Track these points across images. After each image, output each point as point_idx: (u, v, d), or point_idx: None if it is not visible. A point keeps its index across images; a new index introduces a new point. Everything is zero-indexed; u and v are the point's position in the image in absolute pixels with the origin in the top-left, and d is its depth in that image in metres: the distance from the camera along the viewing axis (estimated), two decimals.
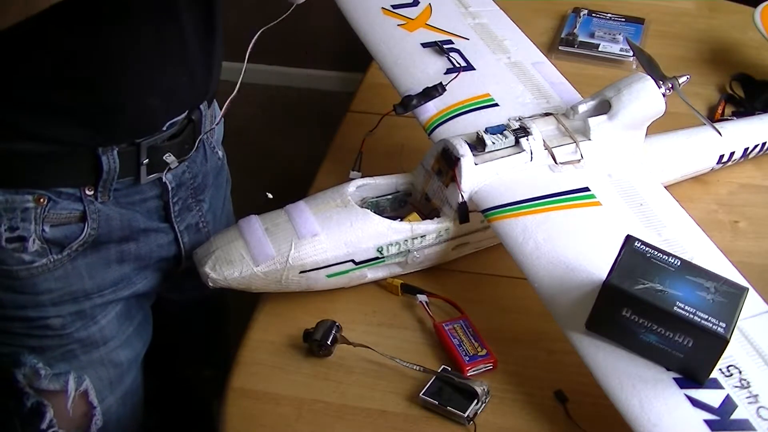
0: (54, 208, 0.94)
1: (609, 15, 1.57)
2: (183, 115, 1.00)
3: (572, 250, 0.94)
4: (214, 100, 1.09)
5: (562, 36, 1.52)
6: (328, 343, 0.95)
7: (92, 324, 1.03)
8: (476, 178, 1.00)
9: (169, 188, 1.03)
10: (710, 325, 0.80)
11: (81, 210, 0.96)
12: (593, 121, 1.05)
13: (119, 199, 0.98)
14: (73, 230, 0.96)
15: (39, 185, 0.93)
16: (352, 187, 1.03)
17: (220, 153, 1.15)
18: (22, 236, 0.93)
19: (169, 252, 1.07)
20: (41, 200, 0.93)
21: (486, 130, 1.02)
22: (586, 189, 1.01)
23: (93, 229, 0.97)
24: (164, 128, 0.98)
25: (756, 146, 1.21)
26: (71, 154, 0.93)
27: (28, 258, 0.95)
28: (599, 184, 1.02)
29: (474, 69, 1.18)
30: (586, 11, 1.57)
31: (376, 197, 1.06)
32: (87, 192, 0.95)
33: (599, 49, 1.49)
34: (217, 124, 1.08)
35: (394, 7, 1.28)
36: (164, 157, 0.99)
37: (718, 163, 1.20)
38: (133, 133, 0.95)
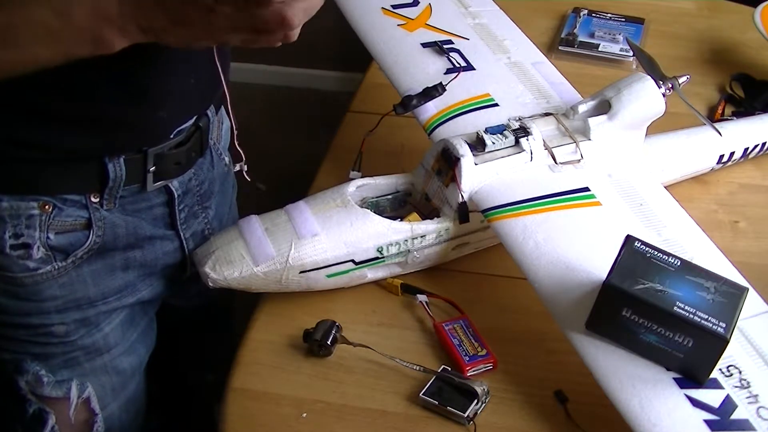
0: (59, 215, 0.93)
1: (609, 15, 1.57)
2: (191, 122, 0.99)
3: (572, 250, 0.94)
4: (221, 105, 1.08)
5: (562, 36, 1.52)
6: (328, 343, 0.95)
7: (96, 331, 1.02)
8: (476, 178, 1.00)
9: (176, 195, 1.02)
10: (710, 325, 0.80)
11: (86, 217, 0.95)
12: (593, 121, 1.05)
13: (125, 206, 0.98)
14: (78, 237, 0.96)
15: (44, 192, 0.92)
16: (352, 187, 1.03)
17: (227, 159, 1.14)
18: (26, 243, 0.93)
19: (175, 259, 1.07)
20: (46, 207, 0.92)
21: (486, 130, 1.02)
22: (586, 189, 1.01)
23: (98, 236, 0.97)
24: (172, 136, 0.97)
25: (756, 146, 1.21)
26: (77, 162, 0.93)
27: (32, 265, 0.94)
28: (599, 184, 1.02)
29: (474, 69, 1.18)
30: (586, 11, 1.57)
31: (376, 197, 1.06)
32: (92, 199, 0.95)
33: (599, 49, 1.49)
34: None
35: (394, 7, 1.28)
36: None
37: (718, 163, 1.20)
38: (141, 143, 0.95)
